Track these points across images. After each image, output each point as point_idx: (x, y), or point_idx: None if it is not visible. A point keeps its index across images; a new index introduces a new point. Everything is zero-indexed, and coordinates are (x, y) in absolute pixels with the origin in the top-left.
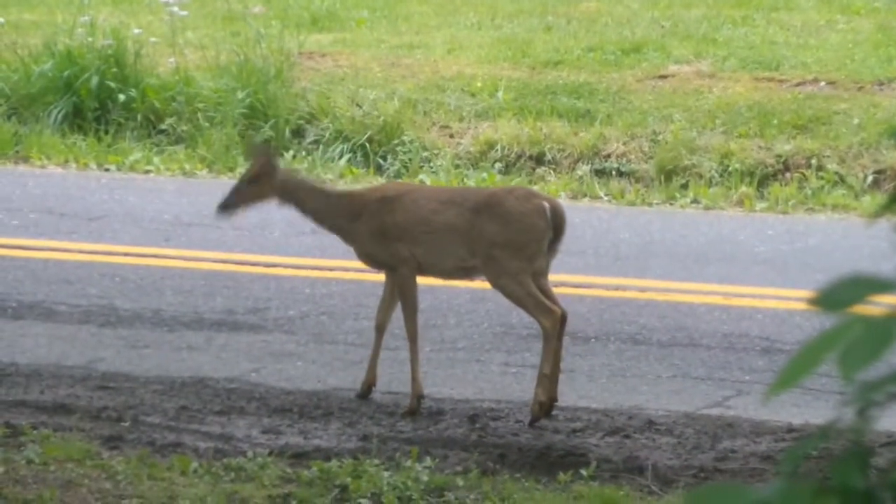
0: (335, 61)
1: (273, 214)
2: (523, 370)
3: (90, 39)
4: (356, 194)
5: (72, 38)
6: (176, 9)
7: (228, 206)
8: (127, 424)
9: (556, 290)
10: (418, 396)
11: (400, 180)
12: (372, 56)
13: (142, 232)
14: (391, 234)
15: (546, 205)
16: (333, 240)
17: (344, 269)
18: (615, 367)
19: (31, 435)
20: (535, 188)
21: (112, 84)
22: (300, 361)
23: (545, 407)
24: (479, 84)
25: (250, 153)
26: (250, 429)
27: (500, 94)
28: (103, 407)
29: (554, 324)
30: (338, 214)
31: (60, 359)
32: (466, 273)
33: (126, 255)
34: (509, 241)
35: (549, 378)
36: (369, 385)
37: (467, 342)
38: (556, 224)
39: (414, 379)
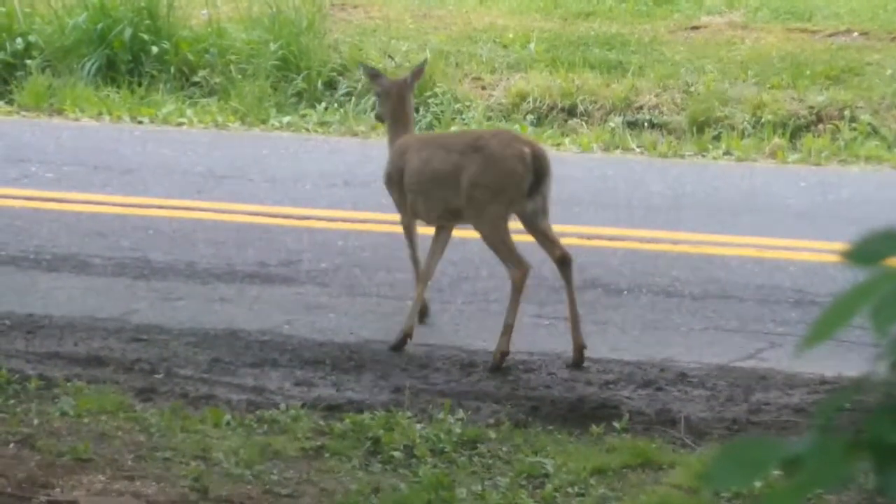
0: (367, 13)
1: (305, 166)
2: (556, 322)
3: None
4: (400, 135)
5: None
6: None
7: (378, 117)
8: (160, 376)
9: (589, 242)
10: (407, 335)
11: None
12: (404, 7)
13: (175, 184)
14: (398, 179)
15: (527, 150)
16: (366, 192)
17: (376, 221)
18: (647, 319)
19: (64, 387)
20: (520, 132)
21: (145, 36)
22: (332, 314)
23: (505, 357)
24: (510, 35)
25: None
26: (283, 381)
27: (531, 45)
28: (136, 359)
29: (521, 277)
30: (392, 146)
31: (94, 311)
32: (453, 216)
33: (159, 207)
34: (489, 183)
35: (510, 328)
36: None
37: (499, 294)
38: (537, 168)
39: (410, 316)
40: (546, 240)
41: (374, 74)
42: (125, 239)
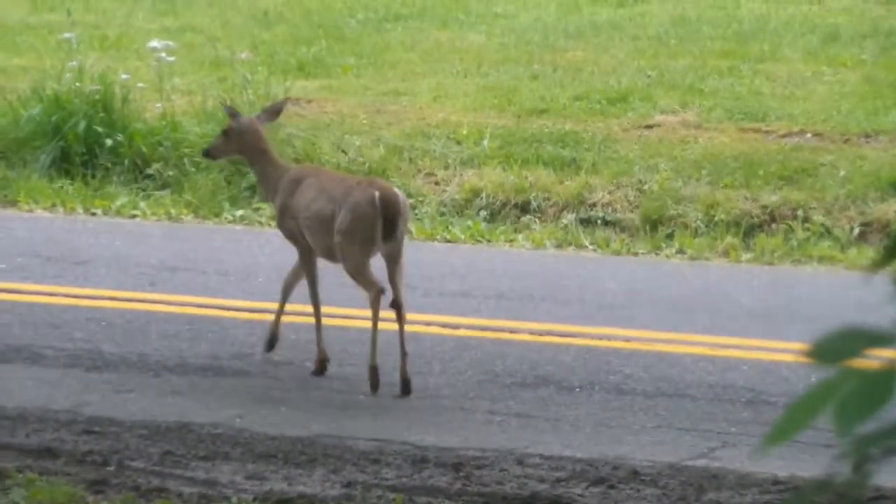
0: (321, 107)
1: (258, 259)
2: (508, 418)
3: (78, 84)
4: (282, 168)
5: (60, 83)
6: (163, 55)
7: (207, 153)
8: (112, 469)
9: (542, 339)
10: (322, 360)
11: (311, 165)
12: (358, 103)
13: (128, 276)
14: (287, 212)
15: (375, 193)
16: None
17: (328, 315)
18: (600, 416)
19: (16, 478)
20: (381, 179)
21: (99, 129)
22: (284, 407)
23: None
24: (464, 131)
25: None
26: (235, 474)
27: (485, 141)
28: (88, 451)
29: (376, 294)
30: (269, 184)
31: (46, 402)
32: (331, 257)
33: (112, 299)
34: (347, 226)
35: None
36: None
37: (451, 390)
38: (386, 211)
39: (318, 343)
40: (391, 283)
41: (233, 113)
42: (78, 330)
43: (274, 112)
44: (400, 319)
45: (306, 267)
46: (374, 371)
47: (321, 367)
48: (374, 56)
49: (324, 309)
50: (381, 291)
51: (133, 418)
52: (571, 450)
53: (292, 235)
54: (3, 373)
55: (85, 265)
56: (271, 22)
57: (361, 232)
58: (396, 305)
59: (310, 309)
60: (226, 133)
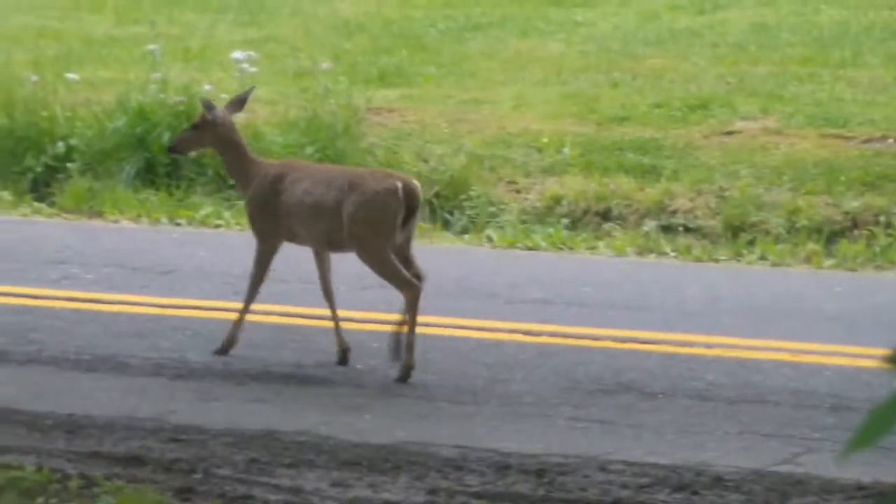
0: (402, 117)
1: (340, 267)
2: (590, 425)
3: (162, 96)
4: (256, 163)
5: (144, 94)
6: (246, 65)
7: (173, 148)
8: (199, 476)
9: (624, 346)
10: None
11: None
12: (439, 112)
13: (212, 286)
14: (268, 208)
15: (398, 184)
16: (399, 295)
17: (451, 326)
18: (682, 422)
19: (105, 486)
20: (395, 171)
21: None
22: (368, 414)
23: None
24: (545, 140)
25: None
26: (320, 481)
27: (566, 149)
28: (175, 459)
29: (414, 295)
30: (242, 176)
31: (133, 411)
32: (333, 246)
33: (197, 308)
34: (367, 218)
35: (412, 345)
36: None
37: (534, 397)
38: (409, 202)
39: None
40: (406, 263)
41: (209, 106)
42: (163, 339)
43: (240, 102)
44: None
45: (263, 262)
46: (407, 370)
47: (225, 350)
48: (455, 65)
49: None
50: (420, 290)
51: (218, 426)
52: (654, 456)
53: (266, 230)
54: (91, 382)
55: (170, 275)
56: (352, 32)
57: (384, 223)
58: (420, 278)
59: (395, 316)
60: (198, 126)
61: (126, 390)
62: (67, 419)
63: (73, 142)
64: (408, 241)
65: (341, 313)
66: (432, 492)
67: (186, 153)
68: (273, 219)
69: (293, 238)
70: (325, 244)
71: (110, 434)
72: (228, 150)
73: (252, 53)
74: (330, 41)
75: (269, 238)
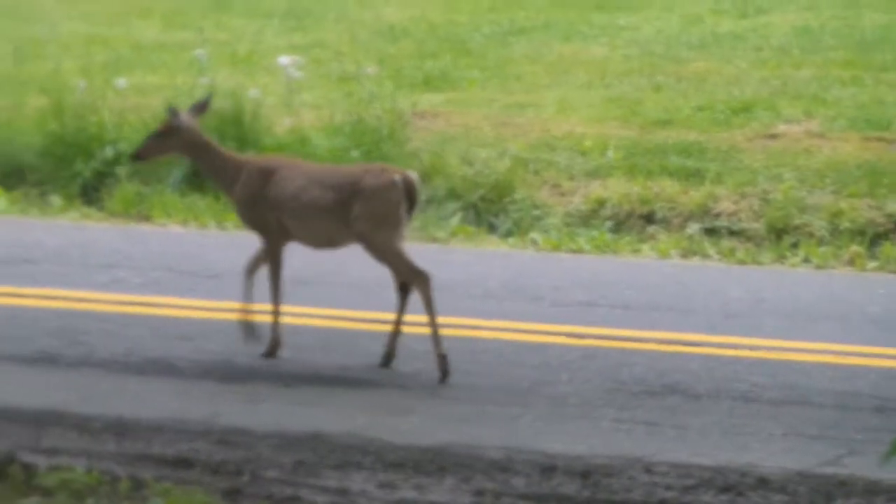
0: (447, 120)
1: (385, 272)
2: (635, 427)
3: None
4: (240, 160)
5: (192, 99)
6: (292, 70)
7: (138, 156)
8: (246, 478)
9: (668, 348)
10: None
11: (279, 155)
12: (483, 115)
13: (258, 289)
14: (260, 202)
15: (397, 178)
16: (445, 296)
17: (456, 326)
18: (727, 424)
19: (154, 488)
20: (390, 165)
21: (230, 144)
22: (414, 416)
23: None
24: (589, 143)
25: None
26: (366, 483)
27: (610, 152)
28: (223, 461)
29: (426, 286)
30: (223, 175)
31: (181, 413)
32: (332, 244)
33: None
34: (370, 214)
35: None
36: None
37: (578, 399)
38: (409, 194)
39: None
40: None
41: (175, 112)
42: (211, 342)
43: (201, 107)
44: (405, 301)
45: (273, 257)
46: (442, 359)
47: (272, 352)
48: (499, 69)
49: (450, 319)
50: (429, 278)
51: (266, 428)
52: (699, 457)
53: (261, 226)
54: (139, 384)
55: (217, 278)
56: (397, 36)
57: (388, 217)
58: (407, 287)
59: (439, 320)
60: (163, 133)
61: (174, 392)
62: (117, 421)
63: (121, 147)
64: (403, 234)
65: (387, 316)
66: (478, 493)
67: (151, 160)
68: (265, 213)
69: (292, 238)
70: (323, 243)
71: (159, 436)
72: (200, 153)
73: (298, 58)
74: (375, 46)
75: (269, 232)
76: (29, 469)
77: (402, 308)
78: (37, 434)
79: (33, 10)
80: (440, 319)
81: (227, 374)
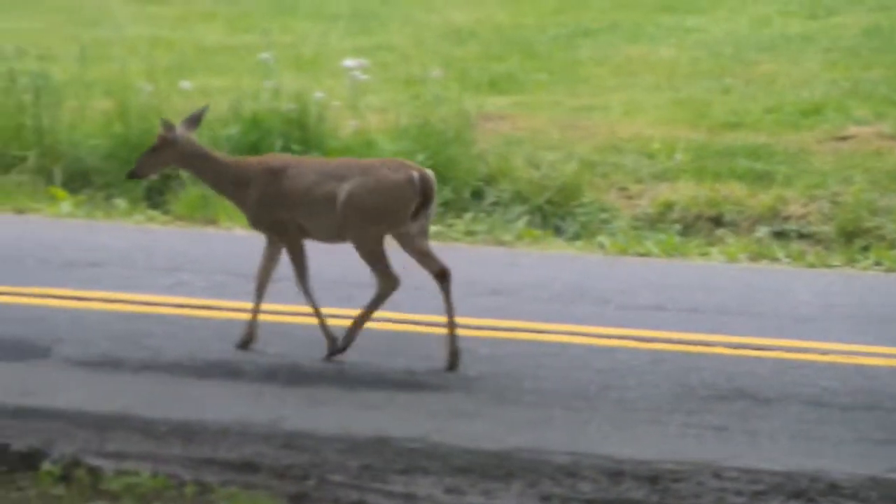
0: (513, 123)
1: (453, 275)
2: (704, 431)
3: (274, 104)
4: (244, 163)
5: (257, 102)
6: (357, 73)
7: (135, 174)
8: (312, 483)
9: (736, 352)
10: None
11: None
12: (550, 118)
13: (324, 292)
14: (275, 202)
15: (415, 174)
16: (512, 300)
17: (524, 330)
18: (797, 429)
19: (219, 492)
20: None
21: (296, 147)
22: (481, 421)
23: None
24: (656, 145)
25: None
26: (433, 488)
27: (678, 155)
28: (289, 465)
29: (390, 288)
30: (228, 181)
31: (246, 417)
32: (343, 237)
33: (308, 314)
34: (378, 207)
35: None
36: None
37: (646, 403)
38: (425, 191)
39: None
40: (424, 257)
41: (168, 126)
42: (275, 345)
43: (195, 119)
44: (448, 290)
45: (297, 257)
46: (333, 344)
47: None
48: (566, 71)
49: (517, 323)
50: (397, 285)
51: (331, 432)
52: (769, 463)
53: (277, 227)
54: (204, 388)
55: (280, 282)
56: (463, 39)
57: (393, 213)
58: (444, 274)
59: (504, 323)
60: (157, 147)
61: (239, 396)
62: (182, 425)
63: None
64: (423, 233)
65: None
66: (545, 498)
67: (148, 176)
68: (286, 211)
69: (306, 234)
70: (332, 238)
71: (224, 440)
72: (198, 164)
73: (363, 61)
74: (441, 48)
75: (286, 231)
76: (94, 473)
77: (447, 299)
78: (102, 438)
79: (98, 12)
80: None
81: (291, 377)
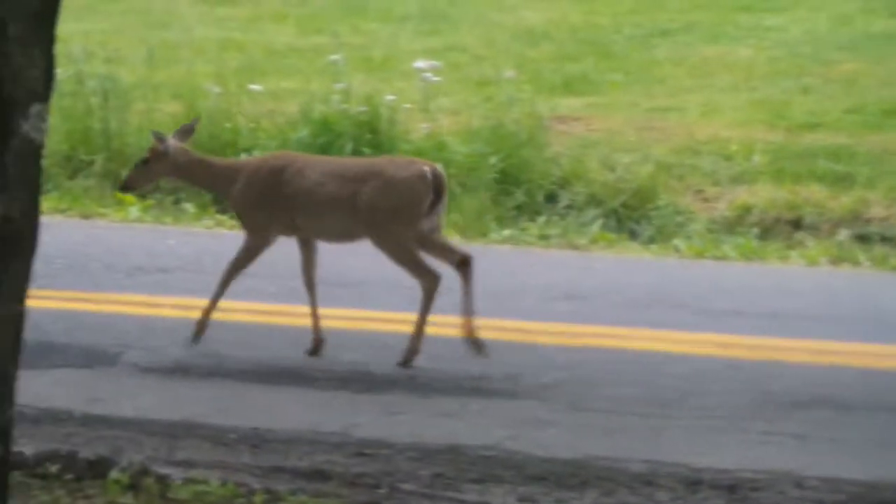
0: (588, 125)
1: (525, 280)
2: (784, 439)
3: (345, 106)
4: (240, 164)
5: (327, 105)
6: (429, 75)
7: (126, 186)
8: (383, 491)
9: (819, 358)
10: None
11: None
12: (625, 119)
13: (399, 298)
14: (273, 201)
15: (426, 169)
16: (587, 305)
17: (599, 335)
18: (882, 437)
19: (290, 501)
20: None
21: (366, 150)
22: (555, 429)
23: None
24: (734, 147)
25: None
26: (506, 497)
27: (756, 157)
28: (360, 473)
29: (433, 284)
30: (221, 183)
31: (317, 425)
32: (351, 237)
33: (381, 320)
34: (391, 206)
35: (420, 330)
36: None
37: (725, 410)
38: (437, 187)
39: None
40: (442, 250)
41: (160, 138)
42: (347, 352)
43: (187, 131)
44: (468, 276)
45: (251, 255)
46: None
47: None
48: (641, 72)
49: (591, 328)
50: (438, 279)
51: (403, 440)
52: (851, 472)
53: (250, 225)
54: (274, 395)
55: (356, 287)
56: (537, 40)
57: (409, 209)
58: (467, 261)
59: (581, 329)
60: (149, 160)
61: (310, 404)
62: (252, 433)
63: (256, 153)
64: (437, 227)
65: (527, 325)
66: None
67: (139, 189)
68: (268, 213)
69: (293, 231)
70: (340, 236)
71: (295, 448)
72: (194, 172)
73: (435, 63)
74: (514, 49)
75: (260, 232)
76: (163, 481)
77: (467, 287)
78: (170, 445)
79: (167, 14)
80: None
81: (363, 384)
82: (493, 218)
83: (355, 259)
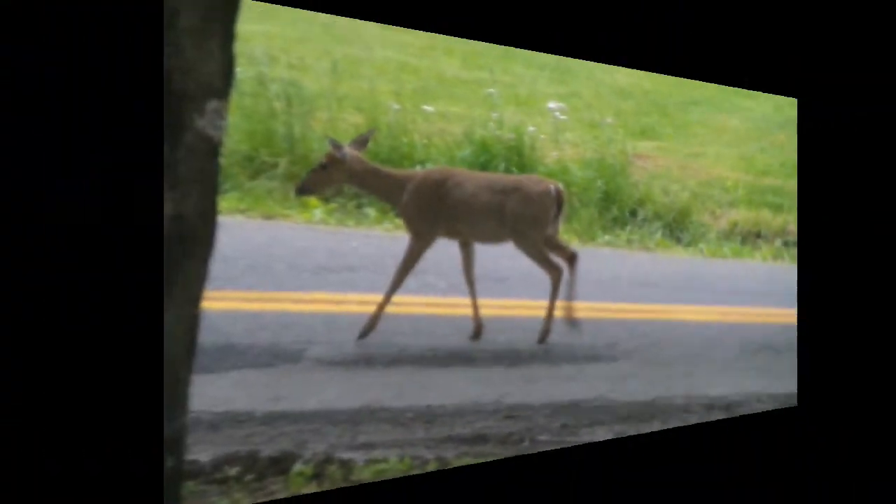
0: (654, 162)
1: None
2: (751, 373)
3: (498, 132)
4: (408, 175)
5: (485, 129)
6: (558, 114)
7: (304, 189)
8: (526, 444)
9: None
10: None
11: (442, 166)
12: (673, 160)
13: (537, 290)
14: (437, 209)
15: (552, 187)
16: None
17: (660, 312)
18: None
19: (455, 464)
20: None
21: (514, 170)
22: (636, 380)
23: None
24: (729, 183)
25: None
26: (606, 433)
27: (739, 191)
28: (509, 433)
29: (558, 277)
30: (390, 192)
31: (478, 397)
32: (498, 239)
33: (525, 307)
34: (529, 215)
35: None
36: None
37: (727, 357)
38: (559, 201)
39: (379, 307)
40: (559, 248)
41: (336, 145)
42: (501, 335)
43: (363, 141)
44: (574, 269)
45: (415, 256)
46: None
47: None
48: (684, 128)
49: (656, 307)
50: (562, 272)
51: (540, 401)
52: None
53: (416, 230)
54: (444, 376)
55: (504, 282)
56: (625, 96)
57: (542, 218)
58: (574, 257)
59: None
60: (326, 165)
61: (472, 380)
62: (425, 410)
63: (429, 165)
64: (556, 231)
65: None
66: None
67: (316, 193)
68: (433, 220)
69: (454, 235)
70: (490, 238)
71: (460, 419)
72: (368, 180)
73: (563, 105)
74: (611, 101)
75: (425, 237)
76: (346, 465)
77: (571, 277)
78: (354, 431)
79: (351, 31)
80: None
81: (511, 360)
82: (599, 227)
83: (503, 259)
